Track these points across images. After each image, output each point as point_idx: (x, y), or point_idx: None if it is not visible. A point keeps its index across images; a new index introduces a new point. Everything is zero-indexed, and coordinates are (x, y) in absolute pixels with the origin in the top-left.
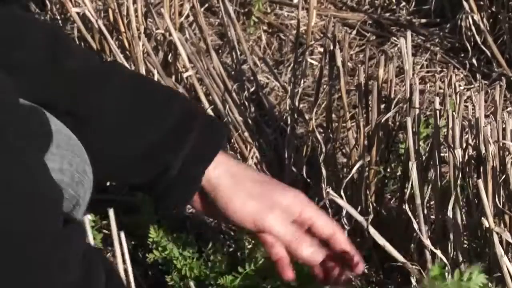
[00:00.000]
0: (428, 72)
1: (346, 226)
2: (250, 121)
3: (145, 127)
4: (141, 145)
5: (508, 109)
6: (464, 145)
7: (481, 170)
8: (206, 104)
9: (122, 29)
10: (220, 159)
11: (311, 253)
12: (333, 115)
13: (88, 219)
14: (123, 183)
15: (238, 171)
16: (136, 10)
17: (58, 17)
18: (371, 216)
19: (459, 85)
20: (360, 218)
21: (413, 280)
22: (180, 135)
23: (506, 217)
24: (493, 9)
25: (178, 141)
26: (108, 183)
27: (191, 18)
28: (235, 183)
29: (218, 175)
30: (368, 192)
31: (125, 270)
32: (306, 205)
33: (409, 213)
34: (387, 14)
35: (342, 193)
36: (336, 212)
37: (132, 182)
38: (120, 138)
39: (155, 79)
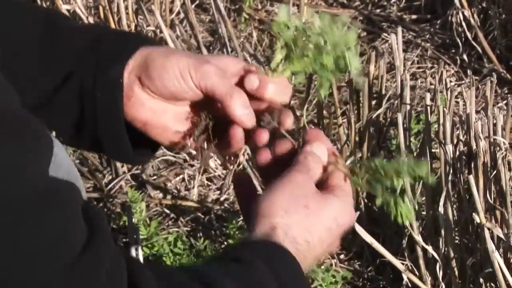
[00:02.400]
0: (419, 68)
1: None
2: None
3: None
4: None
5: (499, 104)
6: (455, 141)
7: (472, 165)
8: None
9: (113, 26)
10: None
11: (245, 114)
12: (324, 112)
13: None
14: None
15: (167, 48)
16: (126, 7)
17: None
18: (357, 213)
19: (450, 81)
20: None
21: (405, 277)
22: (91, 49)
23: (497, 212)
24: (484, 4)
25: (88, 55)
26: None
27: (182, 15)
28: (166, 54)
29: (144, 56)
30: (359, 188)
31: None
32: (243, 63)
33: None
34: (378, 10)
35: None
36: None
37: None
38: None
39: None
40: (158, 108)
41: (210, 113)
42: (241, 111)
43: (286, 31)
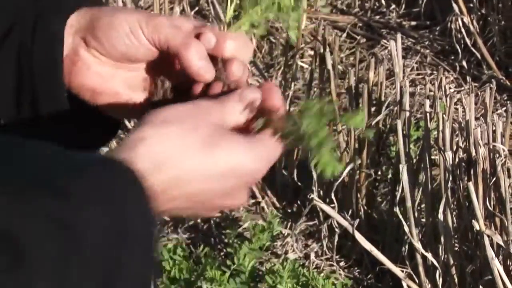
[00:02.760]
0: (418, 74)
1: (336, 230)
2: None
3: None
4: None
5: (498, 111)
6: (455, 147)
7: (472, 172)
8: None
9: None
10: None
11: (203, 65)
12: None
13: None
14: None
15: (114, 6)
16: None
17: None
18: (357, 221)
19: (449, 88)
20: (345, 223)
21: (405, 284)
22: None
23: (497, 219)
24: (483, 11)
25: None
26: None
27: None
28: (113, 11)
29: (89, 15)
30: (359, 195)
31: None
32: (196, 21)
33: (400, 216)
34: (377, 17)
35: (333, 197)
36: (327, 216)
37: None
38: None
39: None
40: (106, 73)
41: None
42: (199, 61)
43: None
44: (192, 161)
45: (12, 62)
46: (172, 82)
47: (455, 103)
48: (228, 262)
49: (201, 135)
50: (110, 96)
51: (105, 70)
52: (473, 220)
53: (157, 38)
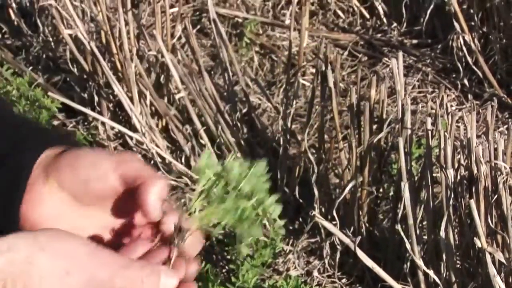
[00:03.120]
0: (419, 92)
1: (338, 247)
2: (242, 142)
3: None
4: None
5: (500, 129)
6: (456, 165)
7: (473, 190)
8: (198, 125)
9: (115, 50)
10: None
11: (158, 205)
12: (326, 136)
13: None
14: None
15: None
16: (128, 32)
17: (50, 39)
18: (358, 238)
19: (451, 106)
20: (347, 240)
21: None
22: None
23: (499, 237)
24: (484, 29)
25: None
26: None
27: (183, 40)
28: (82, 148)
29: (56, 149)
30: (360, 213)
31: None
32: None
33: (402, 233)
34: (379, 35)
35: (334, 214)
36: (329, 233)
37: None
38: None
39: (148, 100)
40: (55, 213)
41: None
42: (156, 200)
43: (207, 176)
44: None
45: None
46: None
47: (457, 121)
48: (233, 279)
49: (68, 282)
50: None
51: (55, 210)
52: (474, 238)
53: (124, 170)
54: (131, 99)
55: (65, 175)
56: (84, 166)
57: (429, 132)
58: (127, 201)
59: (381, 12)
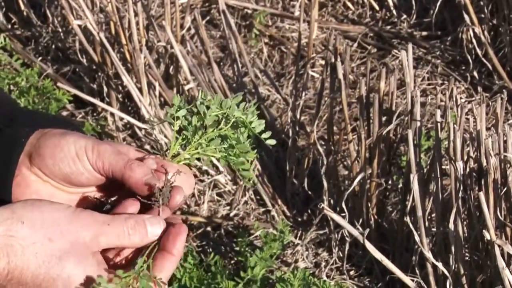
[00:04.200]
0: (429, 84)
1: (347, 239)
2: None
3: None
4: None
5: (509, 121)
6: (466, 157)
7: (483, 182)
8: None
9: (124, 41)
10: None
11: (147, 178)
12: (335, 128)
13: None
14: None
15: (65, 130)
16: (137, 23)
17: (60, 30)
18: (367, 230)
19: (460, 98)
20: (356, 233)
21: None
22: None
23: (508, 229)
24: (494, 21)
25: None
26: None
27: (192, 31)
28: (63, 133)
29: (39, 134)
30: (369, 205)
31: None
32: (137, 151)
33: (411, 226)
34: (388, 27)
35: (343, 206)
36: (337, 225)
37: None
38: None
39: (157, 91)
40: (46, 192)
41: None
42: (143, 177)
43: (181, 116)
44: (27, 269)
45: None
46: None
47: (466, 113)
48: (242, 274)
49: (51, 248)
50: None
51: (45, 190)
52: (483, 230)
53: (101, 165)
54: (140, 90)
55: (47, 166)
56: (66, 160)
57: (439, 124)
58: (112, 182)
59: (391, 4)
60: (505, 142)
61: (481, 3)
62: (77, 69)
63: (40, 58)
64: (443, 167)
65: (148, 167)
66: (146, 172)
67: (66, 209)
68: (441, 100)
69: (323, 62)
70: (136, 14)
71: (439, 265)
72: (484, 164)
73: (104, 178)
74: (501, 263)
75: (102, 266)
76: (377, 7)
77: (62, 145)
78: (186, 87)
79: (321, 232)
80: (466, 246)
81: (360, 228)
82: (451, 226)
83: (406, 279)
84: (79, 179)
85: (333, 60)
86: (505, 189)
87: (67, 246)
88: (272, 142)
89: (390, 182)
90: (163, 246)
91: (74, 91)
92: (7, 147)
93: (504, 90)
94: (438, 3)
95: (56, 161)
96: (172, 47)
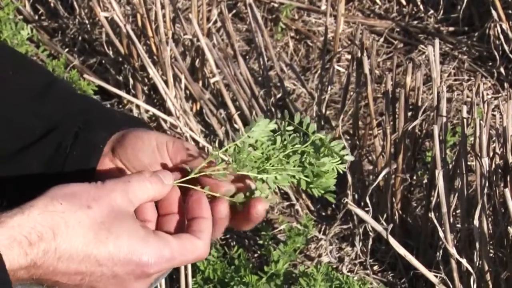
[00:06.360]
0: (455, 80)
1: (371, 234)
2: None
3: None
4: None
5: None
6: (491, 154)
7: (508, 179)
8: (232, 109)
9: (150, 34)
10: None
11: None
12: (360, 122)
13: None
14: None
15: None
16: (164, 16)
17: (87, 21)
18: (391, 225)
19: (487, 94)
20: (379, 228)
21: None
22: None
23: None
24: None
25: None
26: None
27: (219, 24)
28: (146, 130)
29: (124, 131)
30: (394, 200)
31: None
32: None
33: (435, 222)
34: (415, 22)
35: (367, 200)
36: (361, 220)
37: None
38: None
39: (182, 84)
40: None
41: None
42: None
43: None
44: (75, 239)
45: (42, 159)
46: None
47: (493, 109)
48: (265, 268)
49: (92, 215)
50: None
51: None
52: (508, 227)
53: (179, 159)
54: (166, 82)
55: (129, 158)
56: (146, 152)
57: (465, 120)
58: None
59: None
60: None
61: None
62: (103, 61)
63: (66, 49)
64: (469, 163)
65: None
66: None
67: (88, 183)
68: (468, 96)
69: (349, 56)
70: (162, 7)
71: (463, 261)
72: (510, 160)
73: (180, 175)
74: None
75: (140, 224)
76: (404, 2)
77: (145, 138)
78: (211, 80)
79: (345, 227)
80: (491, 242)
81: (384, 223)
82: (476, 222)
83: (430, 275)
84: (155, 169)
85: (359, 54)
86: None
87: (104, 210)
88: (351, 158)
89: (415, 177)
90: (192, 215)
91: (100, 83)
92: (85, 153)
93: None
94: None
95: (135, 151)
96: (198, 40)
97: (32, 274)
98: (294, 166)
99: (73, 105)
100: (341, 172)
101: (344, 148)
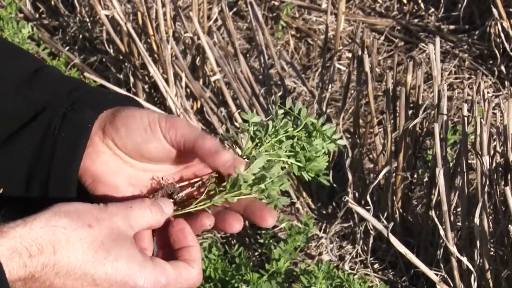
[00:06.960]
0: (456, 78)
1: (371, 232)
2: None
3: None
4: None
5: None
6: (492, 152)
7: (509, 177)
8: (233, 108)
9: (151, 32)
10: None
11: (220, 148)
12: (361, 121)
13: None
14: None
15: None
16: (165, 14)
17: (87, 20)
18: (391, 224)
19: (488, 92)
20: (380, 226)
21: None
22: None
23: None
24: None
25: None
26: None
27: (219, 22)
28: (137, 108)
29: (114, 109)
30: (394, 198)
31: None
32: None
33: (436, 220)
34: (416, 20)
35: (368, 199)
36: (362, 218)
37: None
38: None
39: (183, 82)
40: (113, 165)
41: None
42: (216, 146)
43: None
44: (74, 256)
45: (32, 142)
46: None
47: (493, 108)
48: (267, 266)
49: (93, 234)
50: (109, 188)
51: (113, 162)
52: (509, 225)
53: (173, 135)
54: (167, 80)
55: (120, 135)
56: (138, 129)
57: (465, 118)
58: (181, 160)
59: None
60: None
61: None
62: (104, 59)
63: (67, 48)
64: (469, 161)
65: (218, 142)
66: (218, 143)
67: (91, 204)
68: (468, 94)
69: (349, 54)
70: (163, 5)
71: (464, 259)
72: (511, 158)
73: (174, 152)
74: None
75: (139, 249)
76: (404, 0)
77: (136, 116)
78: (212, 79)
79: (345, 225)
80: (492, 241)
81: (385, 222)
82: (477, 220)
83: (431, 273)
84: (150, 150)
85: (360, 53)
86: None
87: (105, 231)
88: (343, 142)
89: (415, 176)
90: (180, 245)
91: (101, 81)
92: (73, 134)
93: None
94: None
95: (128, 130)
96: (199, 38)
97: (28, 287)
98: (286, 152)
99: (61, 87)
100: (331, 151)
101: (335, 132)
